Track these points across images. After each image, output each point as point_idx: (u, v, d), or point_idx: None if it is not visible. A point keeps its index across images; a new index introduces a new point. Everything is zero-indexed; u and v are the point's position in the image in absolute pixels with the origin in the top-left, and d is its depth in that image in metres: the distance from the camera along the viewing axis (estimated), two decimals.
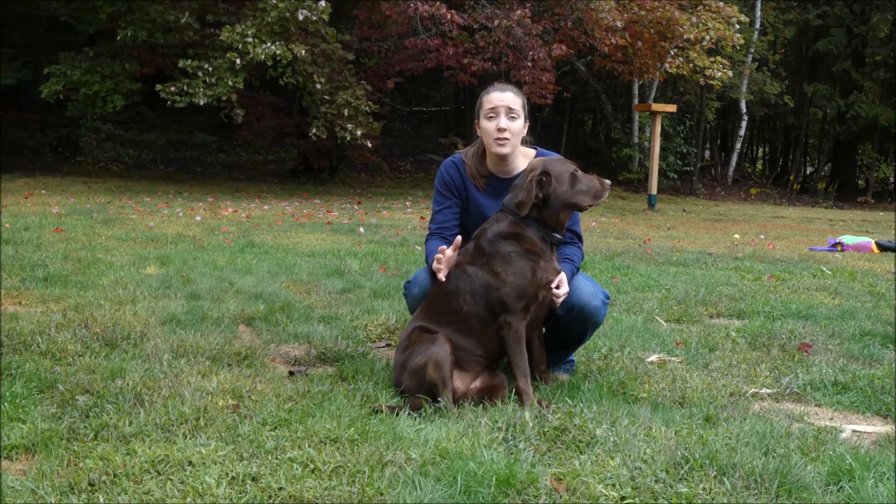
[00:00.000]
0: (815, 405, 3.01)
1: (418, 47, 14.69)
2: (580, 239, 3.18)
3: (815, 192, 23.48)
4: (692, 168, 21.64)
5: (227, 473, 2.08)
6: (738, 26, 16.55)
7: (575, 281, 3.06)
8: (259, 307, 4.16)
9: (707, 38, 15.58)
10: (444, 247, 2.88)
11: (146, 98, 16.91)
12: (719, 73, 15.99)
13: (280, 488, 2.02)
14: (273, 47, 12.17)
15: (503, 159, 3.13)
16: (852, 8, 22.88)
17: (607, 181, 2.94)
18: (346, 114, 13.12)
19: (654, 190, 15.14)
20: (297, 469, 2.12)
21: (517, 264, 2.82)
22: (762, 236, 10.19)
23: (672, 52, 15.88)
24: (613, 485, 2.09)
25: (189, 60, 12.50)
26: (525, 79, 14.09)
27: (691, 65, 15.96)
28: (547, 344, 3.13)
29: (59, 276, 4.70)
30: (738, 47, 18.18)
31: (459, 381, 2.81)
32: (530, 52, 14.11)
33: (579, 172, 2.91)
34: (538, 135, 21.09)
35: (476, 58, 14.49)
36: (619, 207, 14.93)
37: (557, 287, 2.89)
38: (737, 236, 9.98)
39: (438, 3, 13.80)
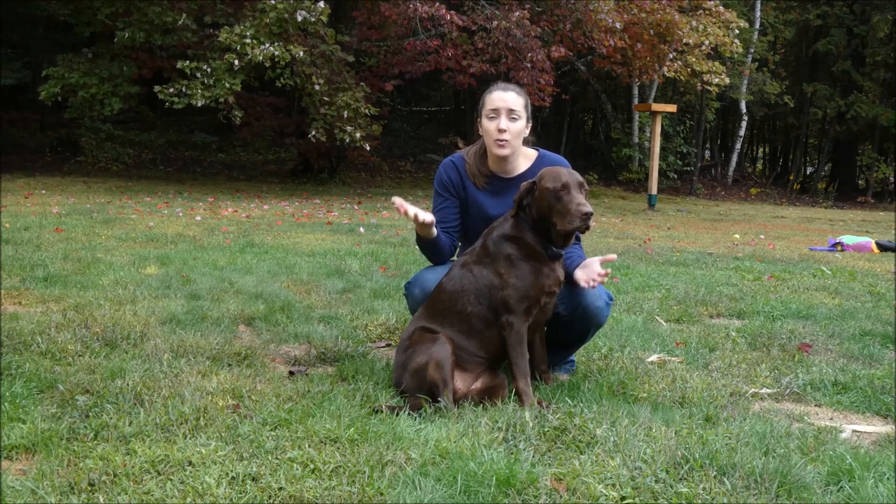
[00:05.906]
0: (815, 405, 3.01)
1: (418, 49, 14.69)
2: (578, 238, 3.18)
3: (815, 192, 23.51)
4: (692, 168, 21.66)
5: (227, 473, 2.08)
6: (737, 31, 16.57)
7: None
8: (259, 307, 4.16)
9: (706, 42, 15.60)
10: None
11: (146, 98, 16.91)
12: (716, 80, 16.02)
13: (280, 488, 2.02)
14: (271, 48, 12.15)
15: (503, 159, 3.13)
16: (852, 8, 22.90)
17: (587, 210, 2.70)
18: (345, 116, 13.11)
19: (654, 190, 15.15)
20: (297, 469, 2.12)
21: (520, 267, 2.82)
22: (762, 236, 10.19)
23: (671, 55, 15.89)
24: (613, 485, 2.09)
25: (187, 62, 12.48)
26: (524, 80, 14.09)
27: (689, 69, 15.98)
28: (548, 343, 3.13)
29: (59, 276, 4.70)
30: (736, 55, 18.19)
31: (460, 382, 2.81)
32: (529, 54, 14.12)
33: (566, 193, 2.73)
34: (538, 135, 21.08)
35: (475, 59, 14.49)
36: (619, 207, 14.94)
37: (596, 276, 2.89)
38: (737, 236, 9.98)
39: (438, 4, 13.80)
